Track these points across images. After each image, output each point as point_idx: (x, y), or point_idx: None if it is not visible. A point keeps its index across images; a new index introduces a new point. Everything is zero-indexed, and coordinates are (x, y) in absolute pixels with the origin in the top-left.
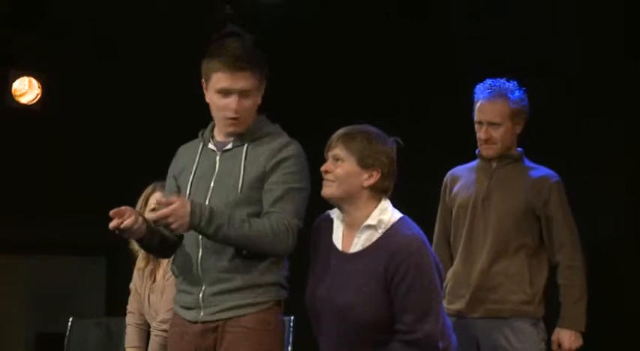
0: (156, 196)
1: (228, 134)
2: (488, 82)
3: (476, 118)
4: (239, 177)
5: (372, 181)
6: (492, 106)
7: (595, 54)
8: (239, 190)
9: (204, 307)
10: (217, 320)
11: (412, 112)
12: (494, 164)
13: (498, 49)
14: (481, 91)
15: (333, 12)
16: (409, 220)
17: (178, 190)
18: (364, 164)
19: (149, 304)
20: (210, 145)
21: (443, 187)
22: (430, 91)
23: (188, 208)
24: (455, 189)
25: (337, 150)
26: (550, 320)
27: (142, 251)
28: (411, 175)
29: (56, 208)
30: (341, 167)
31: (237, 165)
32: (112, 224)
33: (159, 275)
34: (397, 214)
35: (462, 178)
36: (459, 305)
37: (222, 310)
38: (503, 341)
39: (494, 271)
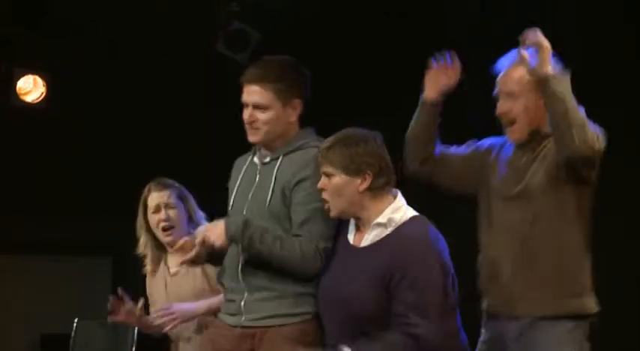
0: (152, 197)
1: (265, 147)
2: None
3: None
4: (269, 190)
5: (366, 184)
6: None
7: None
8: (267, 204)
9: (245, 313)
10: (257, 327)
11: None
12: None
13: (498, 50)
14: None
15: (337, 9)
16: (424, 220)
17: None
18: (351, 172)
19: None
20: (255, 158)
21: None
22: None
23: (222, 223)
24: None
25: (324, 167)
26: None
27: (149, 255)
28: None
29: (62, 208)
30: (332, 182)
31: (269, 178)
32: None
33: (172, 270)
34: (411, 213)
35: None
36: None
37: (263, 318)
38: None
39: None
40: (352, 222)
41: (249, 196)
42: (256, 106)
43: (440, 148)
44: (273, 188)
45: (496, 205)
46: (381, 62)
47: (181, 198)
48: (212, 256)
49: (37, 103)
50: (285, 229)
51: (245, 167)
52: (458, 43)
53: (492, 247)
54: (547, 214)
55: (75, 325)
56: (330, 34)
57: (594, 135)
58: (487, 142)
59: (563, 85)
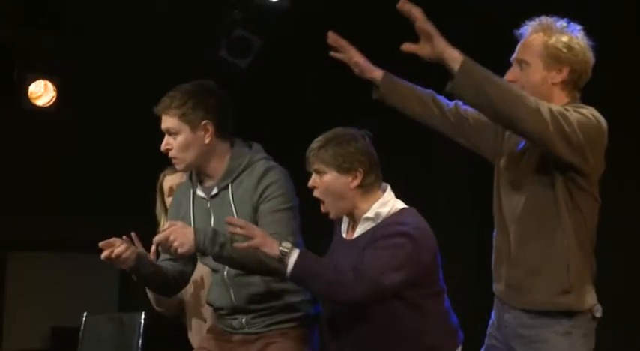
0: (166, 181)
1: (203, 176)
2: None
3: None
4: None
5: (357, 182)
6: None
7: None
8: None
9: (247, 326)
10: (259, 332)
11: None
12: None
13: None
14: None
15: (339, 15)
16: (413, 213)
17: None
18: (344, 170)
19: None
20: (199, 192)
21: None
22: (435, 88)
23: (190, 228)
24: None
25: (315, 165)
26: None
27: None
28: (413, 176)
29: (73, 208)
30: (324, 180)
31: (228, 209)
32: (104, 255)
33: None
34: (399, 206)
35: None
36: None
37: (265, 326)
38: None
39: None
40: (345, 218)
41: None
42: (168, 133)
43: (455, 102)
44: (237, 217)
45: (503, 187)
46: (380, 66)
47: None
48: (146, 267)
49: (48, 106)
50: None
51: (192, 205)
52: (458, 43)
53: (498, 233)
54: (536, 208)
55: (84, 318)
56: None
57: (536, 113)
58: None
59: (474, 70)
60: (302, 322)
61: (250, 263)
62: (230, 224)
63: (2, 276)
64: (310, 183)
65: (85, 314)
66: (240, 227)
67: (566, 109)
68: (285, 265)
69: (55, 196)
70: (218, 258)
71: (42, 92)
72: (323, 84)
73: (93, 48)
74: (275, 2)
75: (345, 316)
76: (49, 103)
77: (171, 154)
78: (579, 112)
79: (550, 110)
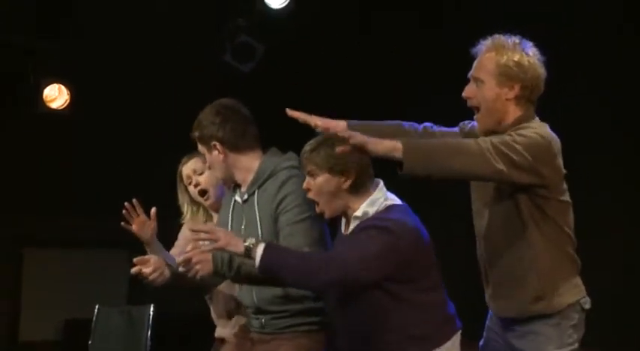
0: (189, 164)
1: (239, 183)
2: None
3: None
4: (257, 227)
5: (349, 182)
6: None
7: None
8: (261, 239)
9: (266, 327)
10: (274, 333)
11: (419, 116)
12: None
13: None
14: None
15: (340, 21)
16: (400, 209)
17: None
18: (336, 171)
19: None
20: (237, 197)
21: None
22: (433, 91)
23: (210, 254)
24: None
25: (308, 167)
26: None
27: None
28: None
29: (85, 207)
30: (317, 182)
31: (253, 215)
32: (134, 270)
33: None
34: (389, 203)
35: None
36: None
37: (280, 328)
38: None
39: None
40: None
41: (242, 233)
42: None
43: (424, 126)
44: (260, 223)
45: (474, 204)
46: (380, 72)
47: None
48: (180, 283)
49: (62, 109)
50: None
51: (231, 206)
52: (457, 44)
53: (478, 247)
54: (500, 225)
55: (96, 311)
56: (329, 47)
57: (482, 158)
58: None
59: (417, 155)
60: (316, 326)
61: (266, 281)
62: (194, 232)
63: (19, 271)
64: (304, 185)
65: (97, 307)
66: (205, 232)
67: (510, 135)
68: (254, 260)
69: (68, 195)
70: (236, 280)
71: (56, 96)
72: (324, 89)
73: (104, 53)
74: (278, 9)
75: (340, 309)
76: (63, 106)
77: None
78: (522, 135)
79: (493, 146)
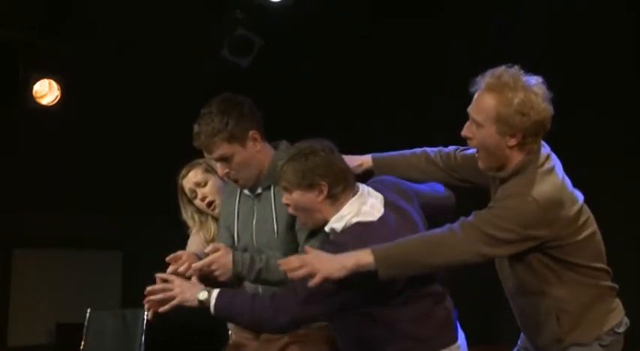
0: (190, 176)
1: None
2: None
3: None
4: (273, 222)
5: (323, 195)
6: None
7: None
8: (277, 235)
9: None
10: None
11: (417, 112)
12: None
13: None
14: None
15: (339, 15)
16: (363, 229)
17: (232, 239)
18: (305, 186)
19: None
20: (245, 190)
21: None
22: (432, 91)
23: (230, 257)
24: None
25: (282, 183)
26: None
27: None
28: None
29: (76, 206)
30: (292, 198)
31: (269, 210)
32: (170, 270)
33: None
34: (356, 220)
35: None
36: None
37: None
38: None
39: None
40: None
41: (253, 229)
42: (223, 160)
43: (448, 153)
44: (276, 219)
45: (497, 261)
46: (379, 67)
47: (209, 170)
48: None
49: (52, 105)
50: (290, 253)
51: (238, 198)
52: (457, 43)
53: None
54: (519, 285)
55: (88, 314)
56: (329, 40)
57: (461, 247)
58: None
59: (389, 260)
60: (322, 324)
61: (284, 283)
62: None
63: (7, 272)
64: (283, 200)
65: (89, 310)
66: (159, 291)
67: (492, 210)
68: (209, 309)
69: (58, 194)
70: (256, 282)
71: (46, 91)
72: (324, 83)
73: (96, 48)
74: (277, 2)
75: (331, 322)
76: (53, 102)
77: (233, 176)
78: (506, 208)
79: (473, 228)
